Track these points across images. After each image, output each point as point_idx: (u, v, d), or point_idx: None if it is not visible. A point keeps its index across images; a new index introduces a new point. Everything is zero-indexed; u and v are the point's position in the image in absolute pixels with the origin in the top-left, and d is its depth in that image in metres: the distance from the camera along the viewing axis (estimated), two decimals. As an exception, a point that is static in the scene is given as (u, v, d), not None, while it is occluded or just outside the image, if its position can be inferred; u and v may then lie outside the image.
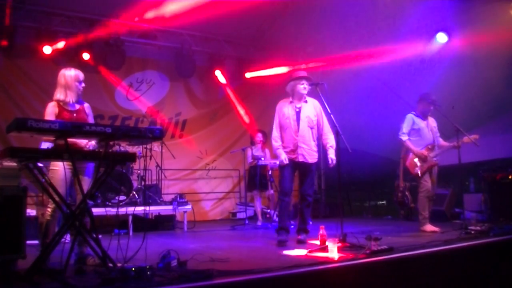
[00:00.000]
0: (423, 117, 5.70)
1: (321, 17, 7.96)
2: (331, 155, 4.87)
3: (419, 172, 5.51)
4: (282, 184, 4.88)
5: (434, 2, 7.09)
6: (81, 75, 3.91)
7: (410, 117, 5.71)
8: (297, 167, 4.91)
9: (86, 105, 4.00)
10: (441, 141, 5.69)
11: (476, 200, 6.78)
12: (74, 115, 3.81)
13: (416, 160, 5.56)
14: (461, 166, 5.46)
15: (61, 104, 3.79)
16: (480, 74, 6.78)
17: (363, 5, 7.38)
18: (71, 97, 3.82)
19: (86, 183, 3.69)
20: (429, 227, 5.36)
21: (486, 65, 6.69)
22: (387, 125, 7.75)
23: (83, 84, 3.91)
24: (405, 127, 5.69)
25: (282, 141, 4.93)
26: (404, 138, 5.66)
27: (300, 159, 4.81)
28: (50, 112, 3.73)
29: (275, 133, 4.98)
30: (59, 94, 3.81)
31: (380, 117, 7.80)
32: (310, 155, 4.85)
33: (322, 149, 5.18)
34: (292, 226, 5.42)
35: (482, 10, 6.44)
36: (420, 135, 5.66)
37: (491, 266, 4.06)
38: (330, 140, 4.91)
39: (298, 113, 4.90)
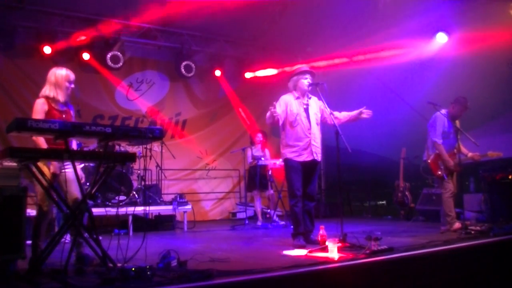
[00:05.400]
0: (452, 119, 5.56)
1: (321, 17, 7.96)
2: (357, 111, 4.84)
3: (444, 175, 5.45)
4: (294, 188, 4.65)
5: (434, 2, 7.09)
6: (72, 76, 3.85)
7: (442, 118, 5.53)
8: (304, 168, 4.72)
9: (72, 108, 3.97)
10: (463, 148, 5.59)
11: (476, 200, 6.77)
12: (63, 115, 3.77)
13: (439, 162, 5.50)
14: (462, 167, 5.46)
15: (50, 102, 3.73)
16: (480, 74, 6.78)
17: (363, 5, 7.39)
18: (61, 96, 3.77)
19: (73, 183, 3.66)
20: (458, 225, 5.28)
21: (486, 65, 6.70)
22: (387, 125, 7.77)
23: (72, 85, 3.86)
24: (439, 129, 5.52)
25: (290, 140, 4.72)
26: (439, 141, 5.50)
27: (311, 157, 4.67)
28: (40, 109, 3.65)
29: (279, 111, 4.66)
30: (48, 91, 3.75)
31: (380, 117, 7.80)
32: (319, 153, 4.79)
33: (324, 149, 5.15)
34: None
35: (482, 10, 6.44)
36: (446, 138, 5.54)
37: (491, 266, 4.06)
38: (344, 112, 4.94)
39: (306, 110, 4.78)
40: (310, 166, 4.74)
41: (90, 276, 3.06)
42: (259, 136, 7.79)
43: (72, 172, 3.60)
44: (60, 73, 3.81)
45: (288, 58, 9.36)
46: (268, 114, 4.60)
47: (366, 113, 4.86)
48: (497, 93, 6.73)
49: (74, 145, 3.93)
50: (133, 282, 2.72)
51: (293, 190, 4.66)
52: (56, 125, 3.11)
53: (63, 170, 3.69)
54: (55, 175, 3.64)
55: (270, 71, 9.60)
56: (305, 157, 4.68)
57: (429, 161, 5.62)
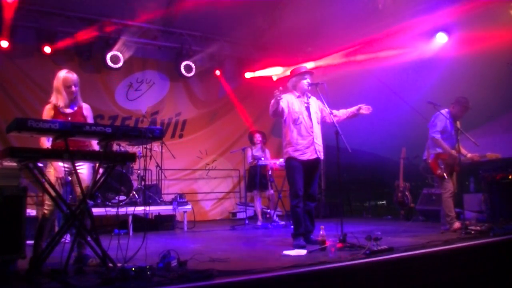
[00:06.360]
0: (453, 119, 5.58)
1: (321, 17, 7.96)
2: (356, 107, 4.84)
3: (444, 174, 5.46)
4: (296, 188, 4.63)
5: (434, 2, 7.09)
6: (70, 79, 3.78)
7: (443, 116, 5.54)
8: (306, 167, 4.72)
9: (85, 106, 3.95)
10: (462, 149, 5.58)
11: (476, 200, 6.77)
12: (69, 118, 3.77)
13: (439, 161, 5.51)
14: (461, 166, 5.46)
15: (57, 107, 3.78)
16: (479, 74, 6.78)
17: (363, 5, 7.38)
18: (61, 101, 3.78)
19: (84, 183, 3.69)
20: (458, 225, 5.28)
21: (485, 65, 6.70)
22: (387, 125, 7.77)
23: (73, 88, 3.79)
24: (439, 125, 5.54)
25: (293, 138, 4.70)
26: (437, 136, 5.52)
27: (314, 155, 4.68)
28: (46, 115, 3.76)
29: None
30: (53, 97, 3.82)
31: (380, 117, 7.81)
32: (322, 151, 4.79)
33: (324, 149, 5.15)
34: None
35: (482, 10, 6.44)
36: (447, 138, 5.55)
37: (491, 266, 4.06)
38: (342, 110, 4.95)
39: (308, 109, 4.80)
40: (312, 165, 4.74)
41: (90, 276, 3.06)
42: (258, 137, 7.80)
43: (84, 174, 3.71)
44: (59, 77, 3.81)
45: (288, 58, 9.35)
46: (272, 101, 4.58)
47: (365, 109, 4.86)
48: (497, 93, 6.72)
49: (95, 145, 3.92)
50: (133, 282, 2.72)
51: (296, 190, 4.65)
52: (56, 125, 3.11)
53: (79, 170, 3.68)
54: (59, 179, 3.63)
55: (270, 71, 9.58)
56: (308, 156, 4.69)
57: (429, 160, 5.63)
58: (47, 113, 3.76)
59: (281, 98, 4.58)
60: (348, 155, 4.43)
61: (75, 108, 3.87)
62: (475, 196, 6.92)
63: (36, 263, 3.17)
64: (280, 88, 4.54)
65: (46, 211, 3.63)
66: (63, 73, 3.81)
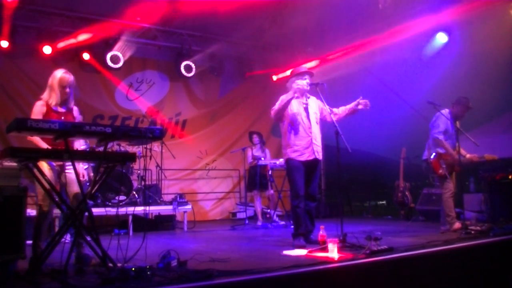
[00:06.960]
0: (454, 119, 5.56)
1: (321, 17, 7.96)
2: (354, 103, 4.84)
3: (446, 173, 5.46)
4: (297, 187, 4.65)
5: (434, 2, 7.09)
6: (67, 79, 3.76)
7: (444, 116, 5.53)
8: (306, 167, 4.73)
9: (75, 108, 3.94)
10: (461, 149, 5.55)
11: (476, 200, 6.77)
12: (62, 117, 3.74)
13: (441, 161, 5.51)
14: (461, 166, 5.46)
15: (49, 104, 3.74)
16: (479, 74, 6.78)
17: (363, 5, 7.39)
18: (53, 100, 3.75)
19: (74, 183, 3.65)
20: (458, 225, 5.28)
21: (486, 65, 6.70)
22: (387, 125, 7.77)
23: (67, 89, 3.77)
24: (442, 127, 5.53)
25: (291, 139, 4.72)
26: (440, 137, 5.51)
27: (313, 156, 4.69)
28: (38, 111, 3.69)
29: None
30: (45, 94, 3.78)
31: (380, 117, 7.82)
32: (320, 151, 4.80)
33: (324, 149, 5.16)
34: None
35: (482, 10, 6.44)
36: (446, 138, 5.54)
37: (491, 266, 4.06)
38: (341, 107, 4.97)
39: (306, 109, 4.81)
40: (312, 165, 4.75)
41: (90, 276, 3.06)
42: (255, 137, 7.80)
43: (73, 174, 3.57)
44: (55, 76, 3.78)
45: (288, 58, 9.36)
46: (283, 97, 4.68)
47: (362, 103, 4.84)
48: (497, 93, 6.73)
49: (79, 145, 3.93)
50: (133, 282, 2.73)
51: (296, 190, 4.66)
52: (56, 125, 3.11)
53: (66, 171, 3.70)
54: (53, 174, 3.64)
55: (270, 71, 9.57)
56: (307, 156, 4.69)
57: (430, 160, 5.62)
58: (39, 109, 3.70)
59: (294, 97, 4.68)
60: (348, 155, 4.43)
61: (68, 108, 3.86)
62: (475, 196, 6.92)
63: (36, 263, 3.17)
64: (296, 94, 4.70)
65: (45, 207, 3.59)
66: (60, 73, 3.79)
